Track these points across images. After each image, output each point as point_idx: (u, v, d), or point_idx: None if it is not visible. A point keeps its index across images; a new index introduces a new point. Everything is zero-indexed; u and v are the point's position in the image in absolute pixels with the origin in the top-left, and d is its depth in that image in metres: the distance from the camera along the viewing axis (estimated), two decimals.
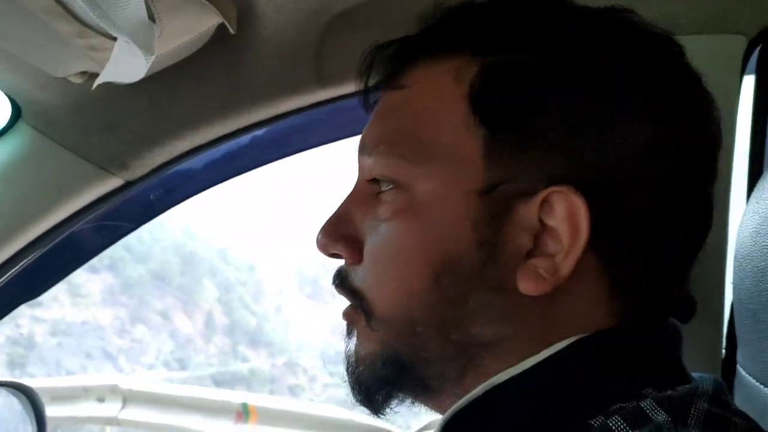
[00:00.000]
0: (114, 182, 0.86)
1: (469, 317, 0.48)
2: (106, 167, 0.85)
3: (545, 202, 0.46)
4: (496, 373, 0.48)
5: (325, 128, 0.92)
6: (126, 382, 3.61)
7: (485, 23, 0.50)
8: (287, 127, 0.90)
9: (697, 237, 0.51)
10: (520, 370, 0.47)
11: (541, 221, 0.47)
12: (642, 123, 0.47)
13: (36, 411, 0.93)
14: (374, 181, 0.53)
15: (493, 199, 0.47)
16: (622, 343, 0.47)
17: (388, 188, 0.51)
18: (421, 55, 0.52)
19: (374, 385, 0.52)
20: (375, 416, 0.54)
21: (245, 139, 0.89)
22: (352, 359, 0.54)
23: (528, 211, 0.47)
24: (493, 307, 0.48)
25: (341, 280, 0.55)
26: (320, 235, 0.55)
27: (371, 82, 0.56)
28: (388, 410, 0.54)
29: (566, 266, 0.46)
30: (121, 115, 0.84)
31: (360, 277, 0.53)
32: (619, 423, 0.42)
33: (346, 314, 0.55)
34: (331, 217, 0.55)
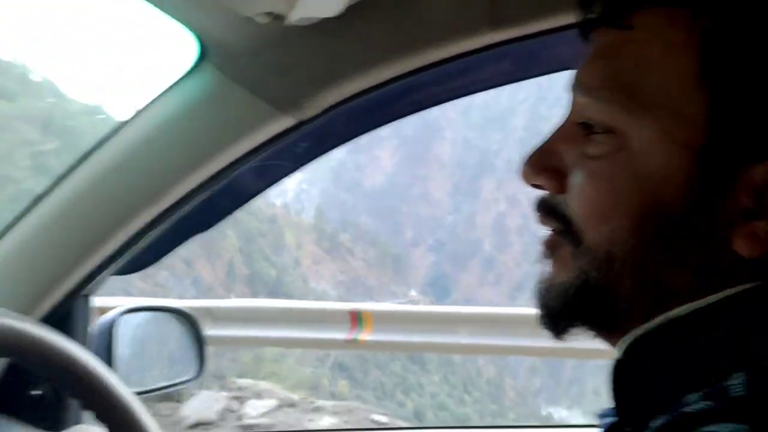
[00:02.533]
0: (287, 122, 0.88)
1: (666, 265, 0.49)
2: (281, 107, 0.87)
3: None
4: None
5: (490, 72, 0.92)
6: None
7: None
8: (449, 71, 0.91)
9: None
10: (700, 306, 0.48)
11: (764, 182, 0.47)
12: None
13: (197, 334, 1.06)
14: (585, 124, 0.53)
15: (714, 158, 0.47)
16: None
17: (600, 131, 0.51)
18: None
19: (561, 312, 0.54)
20: (555, 339, 0.56)
21: (408, 82, 0.90)
22: (545, 285, 0.56)
23: (755, 174, 0.46)
24: (694, 260, 0.49)
25: (549, 208, 0.56)
26: (525, 166, 0.56)
27: (594, 13, 0.54)
28: (568, 335, 0.55)
29: None
30: (296, 56, 0.86)
31: (570, 206, 0.54)
32: None
33: (549, 241, 0.57)
34: (536, 150, 0.57)
